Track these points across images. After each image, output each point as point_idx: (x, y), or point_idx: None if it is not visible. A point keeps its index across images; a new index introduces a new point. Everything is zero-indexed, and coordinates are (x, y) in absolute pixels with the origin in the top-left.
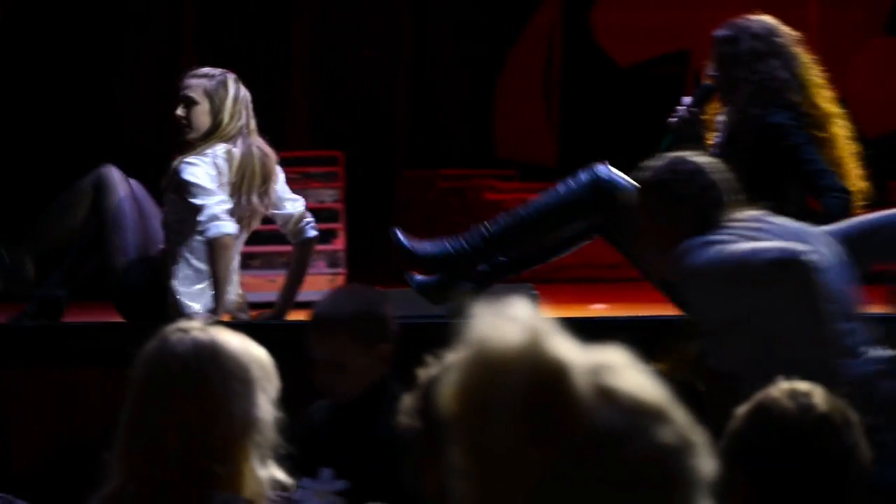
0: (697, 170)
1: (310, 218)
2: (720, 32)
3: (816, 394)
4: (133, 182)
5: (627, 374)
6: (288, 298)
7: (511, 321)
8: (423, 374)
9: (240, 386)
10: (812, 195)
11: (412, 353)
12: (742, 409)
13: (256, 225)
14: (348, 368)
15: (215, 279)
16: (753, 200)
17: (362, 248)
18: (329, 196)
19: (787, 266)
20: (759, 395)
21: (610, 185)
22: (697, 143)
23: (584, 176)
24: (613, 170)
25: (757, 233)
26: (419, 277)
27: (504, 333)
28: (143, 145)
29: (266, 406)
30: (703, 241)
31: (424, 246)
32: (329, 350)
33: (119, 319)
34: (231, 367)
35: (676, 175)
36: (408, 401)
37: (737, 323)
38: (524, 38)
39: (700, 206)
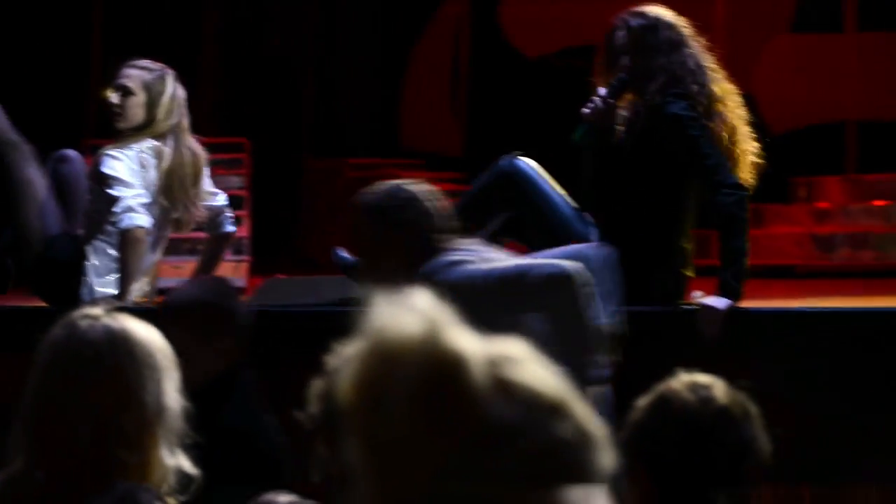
0: (414, 198)
1: (230, 213)
2: (636, 21)
3: (717, 386)
4: (75, 156)
5: (526, 366)
6: None
7: (409, 312)
8: (331, 361)
9: (150, 373)
10: (706, 189)
11: (318, 340)
12: (643, 401)
13: (190, 228)
14: (188, 359)
15: (123, 270)
16: (650, 191)
17: (267, 236)
18: (234, 183)
19: (564, 280)
20: (660, 387)
21: (512, 177)
22: (611, 134)
23: (491, 169)
24: (522, 161)
25: (481, 255)
26: (345, 255)
27: (401, 324)
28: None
29: (173, 394)
30: (450, 261)
31: None
32: (170, 340)
33: (11, 304)
34: (142, 355)
35: (393, 202)
36: (315, 387)
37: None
38: (432, 28)
39: (416, 233)
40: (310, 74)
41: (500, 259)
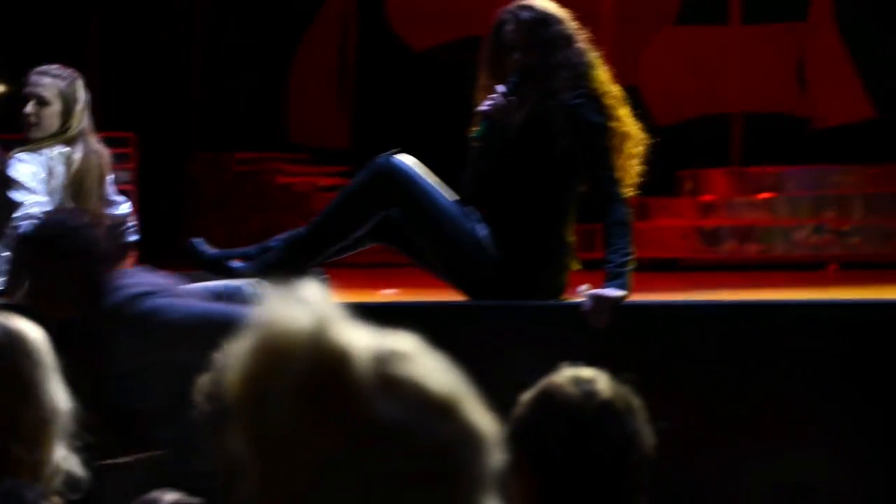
0: (79, 226)
1: (132, 222)
2: (526, 14)
3: (600, 380)
4: None
5: (416, 363)
6: None
7: (299, 306)
8: (220, 357)
9: (45, 373)
10: (597, 196)
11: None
12: (527, 395)
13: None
14: None
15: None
16: (542, 185)
17: (154, 230)
18: (121, 178)
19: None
20: (544, 381)
21: (390, 175)
22: (511, 131)
23: (368, 167)
24: (399, 158)
25: (155, 285)
26: (207, 249)
27: (290, 318)
28: None
29: (63, 395)
30: (138, 293)
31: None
32: None
33: None
34: (37, 355)
35: (60, 231)
36: (202, 383)
37: (163, 366)
38: (318, 22)
39: (83, 262)
40: (196, 68)
41: (178, 291)
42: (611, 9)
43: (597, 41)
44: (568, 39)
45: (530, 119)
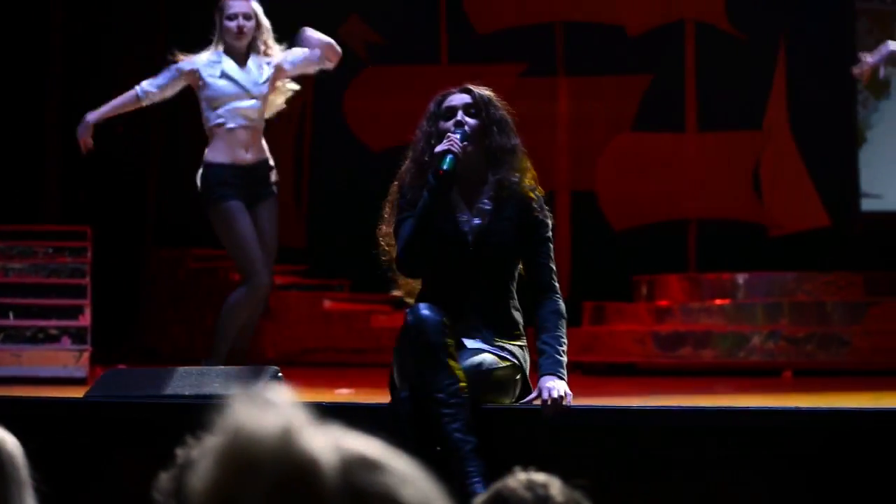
0: None
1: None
2: (478, 91)
3: (553, 485)
4: None
5: (386, 472)
6: None
7: (266, 412)
8: (181, 453)
9: (19, 489)
10: (537, 285)
11: (161, 432)
12: (480, 499)
13: None
14: None
15: None
16: (505, 274)
17: (108, 325)
18: (77, 272)
19: None
20: (497, 485)
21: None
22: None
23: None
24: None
25: None
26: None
27: (257, 425)
28: None
29: None
30: None
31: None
32: None
33: None
34: (12, 469)
35: None
36: (162, 480)
37: None
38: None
39: None
40: (154, 163)
41: None
42: (567, 114)
43: (553, 146)
44: (513, 128)
45: (495, 211)
